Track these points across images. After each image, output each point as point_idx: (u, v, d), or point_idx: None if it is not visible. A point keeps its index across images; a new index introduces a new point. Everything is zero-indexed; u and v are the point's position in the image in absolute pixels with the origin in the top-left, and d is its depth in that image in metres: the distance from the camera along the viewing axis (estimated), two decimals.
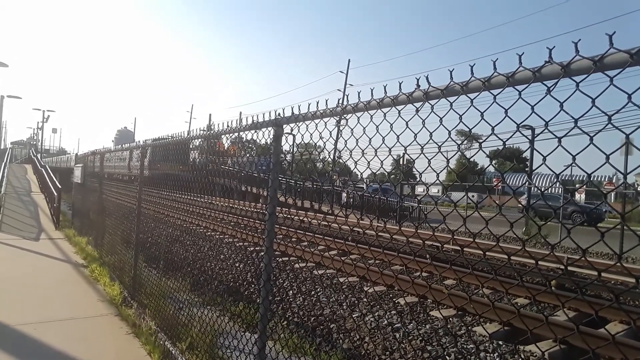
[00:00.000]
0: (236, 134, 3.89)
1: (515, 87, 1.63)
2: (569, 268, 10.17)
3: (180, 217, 6.30)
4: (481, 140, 1.76)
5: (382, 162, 2.20)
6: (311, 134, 2.80)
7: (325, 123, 2.71)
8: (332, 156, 33.58)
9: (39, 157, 41.39)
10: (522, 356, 5.30)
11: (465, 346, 5.54)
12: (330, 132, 2.69)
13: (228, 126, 3.70)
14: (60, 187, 15.32)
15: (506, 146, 1.78)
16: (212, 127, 4.14)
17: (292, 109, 2.84)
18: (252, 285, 7.77)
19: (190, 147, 5.39)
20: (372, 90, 2.16)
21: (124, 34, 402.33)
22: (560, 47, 1.64)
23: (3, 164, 27.86)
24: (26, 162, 53.02)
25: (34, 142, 78.02)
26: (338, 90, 45.73)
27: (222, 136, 4.16)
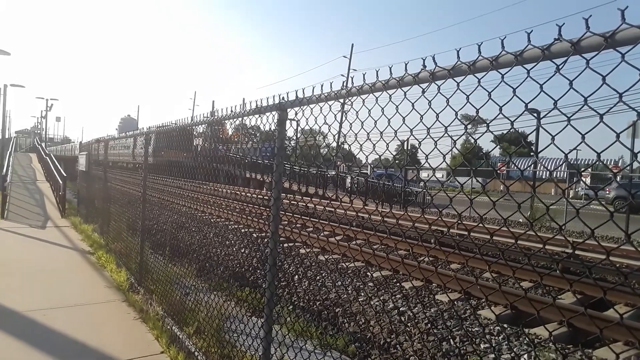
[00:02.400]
0: (240, 121, 3.87)
1: (524, 66, 1.60)
2: (574, 252, 10.16)
3: (185, 204, 6.32)
4: (489, 121, 1.74)
5: (387, 144, 2.19)
6: (316, 118, 2.78)
7: (330, 107, 2.69)
8: (336, 141, 33.49)
9: (44, 146, 41.53)
10: (528, 338, 5.32)
11: (470, 329, 5.57)
12: (335, 115, 2.67)
13: (232, 111, 3.68)
14: (65, 175, 15.37)
15: (514, 127, 1.75)
16: (216, 113, 4.12)
17: (296, 92, 2.82)
18: (258, 271, 7.81)
19: (194, 133, 5.38)
20: (377, 71, 2.13)
21: (127, 22, 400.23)
22: (573, 26, 1.60)
23: (8, 153, 27.95)
24: (31, 151, 53.30)
25: (38, 131, 78.14)
26: (341, 75, 45.37)
27: (227, 123, 4.15)
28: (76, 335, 4.53)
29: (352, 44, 54.25)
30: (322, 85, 2.56)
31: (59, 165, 18.89)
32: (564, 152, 1.53)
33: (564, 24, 1.45)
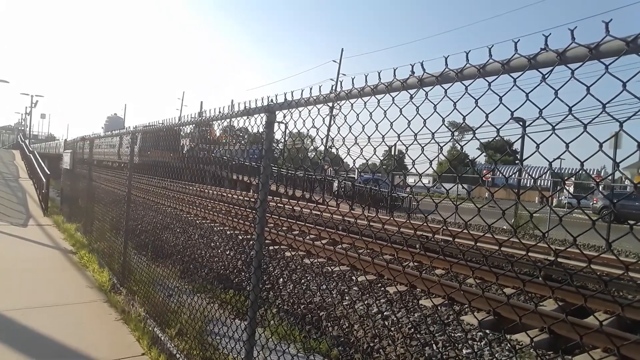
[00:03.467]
0: (228, 123, 3.86)
1: (511, 74, 1.62)
2: (556, 260, 10.29)
3: (170, 205, 6.28)
4: (475, 128, 1.76)
5: (375, 149, 2.20)
6: (304, 121, 2.78)
7: (319, 110, 2.70)
8: (324, 145, 33.55)
9: (27, 143, 40.93)
10: (510, 344, 5.37)
11: (453, 334, 5.60)
12: (323, 119, 2.67)
13: (219, 112, 3.67)
14: (48, 173, 15.16)
15: (500, 135, 1.77)
16: (204, 113, 4.11)
17: (284, 95, 2.82)
18: (242, 273, 7.77)
19: (182, 134, 5.35)
20: (366, 76, 2.14)
21: (116, 19, 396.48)
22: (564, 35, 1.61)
23: None
24: (14, 147, 52.50)
25: (22, 128, 77.15)
26: (331, 79, 45.51)
27: (215, 124, 4.13)
28: (56, 336, 4.46)
29: (342, 49, 54.56)
30: (310, 89, 2.56)
31: (42, 163, 18.62)
32: (548, 160, 1.55)
33: (550, 34, 1.47)
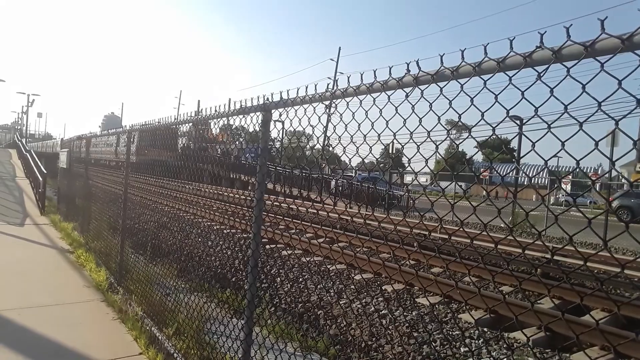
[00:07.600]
0: (226, 122, 3.85)
1: (506, 72, 1.61)
2: (554, 257, 10.30)
3: (167, 204, 6.27)
4: (471, 127, 1.76)
5: (371, 147, 2.19)
6: (300, 119, 2.77)
7: (315, 108, 2.68)
8: (321, 143, 33.56)
9: (24, 142, 40.82)
10: (507, 343, 5.37)
11: (451, 332, 5.60)
12: (319, 117, 2.67)
13: (216, 111, 3.66)
14: (45, 172, 15.11)
15: (495, 134, 1.76)
16: (201, 112, 4.10)
17: (280, 93, 2.81)
18: (240, 272, 7.76)
19: (178, 133, 5.33)
20: (361, 75, 2.14)
21: (113, 18, 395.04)
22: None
23: None
24: (10, 146, 52.33)
25: (19, 127, 77.01)
26: (328, 78, 45.48)
27: (211, 122, 4.12)
28: (53, 335, 4.44)
29: (340, 47, 54.53)
30: (306, 87, 2.55)
31: (39, 162, 18.55)
32: (543, 159, 1.55)
33: (545, 32, 1.47)
